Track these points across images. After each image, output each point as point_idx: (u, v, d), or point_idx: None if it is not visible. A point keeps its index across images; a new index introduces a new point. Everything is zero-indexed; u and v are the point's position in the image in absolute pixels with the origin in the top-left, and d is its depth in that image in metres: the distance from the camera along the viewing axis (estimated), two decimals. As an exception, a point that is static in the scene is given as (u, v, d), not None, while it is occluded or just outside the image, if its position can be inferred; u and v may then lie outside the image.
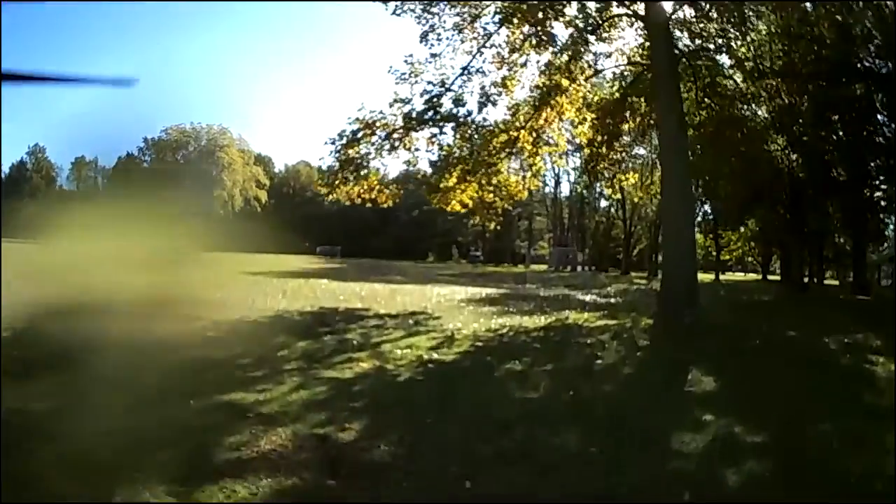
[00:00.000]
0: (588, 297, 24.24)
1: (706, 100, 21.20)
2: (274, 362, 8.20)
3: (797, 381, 8.72)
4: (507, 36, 18.28)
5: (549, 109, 19.78)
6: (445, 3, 17.70)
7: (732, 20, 18.08)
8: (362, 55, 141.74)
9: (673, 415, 6.59)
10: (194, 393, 6.27)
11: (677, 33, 18.46)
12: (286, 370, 7.76)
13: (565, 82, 19.20)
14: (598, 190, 56.75)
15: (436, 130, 18.31)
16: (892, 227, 45.48)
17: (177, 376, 6.79)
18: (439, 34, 17.85)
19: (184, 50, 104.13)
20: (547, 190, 75.08)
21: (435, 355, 9.40)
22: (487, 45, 18.17)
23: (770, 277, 60.93)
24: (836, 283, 60.30)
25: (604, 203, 62.71)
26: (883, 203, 42.92)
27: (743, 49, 19.79)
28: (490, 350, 10.16)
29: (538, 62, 18.96)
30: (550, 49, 17.93)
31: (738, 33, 18.82)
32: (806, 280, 44.64)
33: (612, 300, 23.57)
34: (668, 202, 15.71)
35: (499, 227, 61.48)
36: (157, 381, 6.38)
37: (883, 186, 42.46)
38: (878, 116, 32.22)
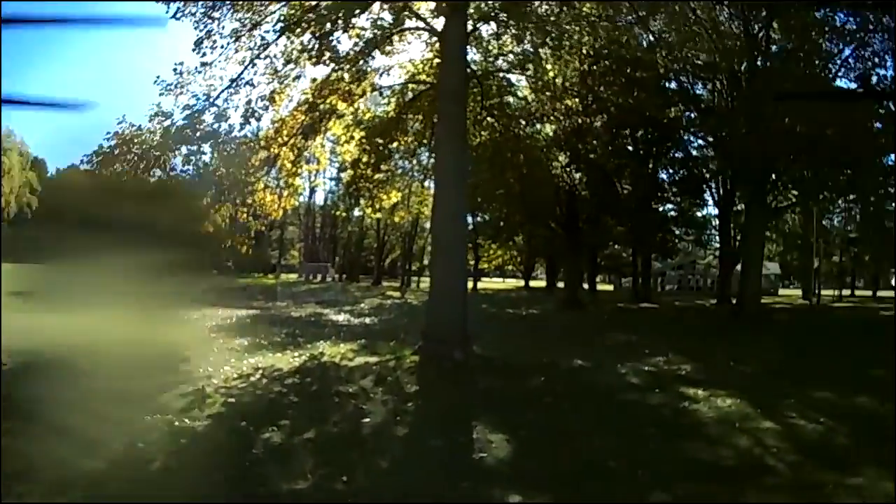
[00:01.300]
0: (341, 318, 24.17)
1: (489, 119, 21.36)
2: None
3: (606, 435, 8.48)
4: (285, 46, 17.11)
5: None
6: (229, 5, 16.24)
7: (537, 41, 18.08)
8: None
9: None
10: None
11: (471, 54, 18.45)
12: None
13: (342, 105, 18.61)
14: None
15: (194, 148, 16.66)
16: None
17: None
18: (215, 41, 16.29)
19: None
20: (301, 199, 73.69)
21: (186, 420, 8.37)
22: (262, 55, 16.92)
23: (532, 284, 63.86)
24: (611, 287, 65.23)
25: (357, 212, 63.27)
26: (674, 214, 47.12)
27: (547, 66, 19.85)
28: (244, 409, 9.23)
29: (313, 78, 18.08)
30: (331, 65, 16.97)
31: (540, 53, 19.00)
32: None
33: (368, 321, 23.64)
34: (441, 231, 15.56)
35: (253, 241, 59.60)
36: None
37: (677, 199, 46.27)
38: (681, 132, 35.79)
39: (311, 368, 13.08)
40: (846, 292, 65.02)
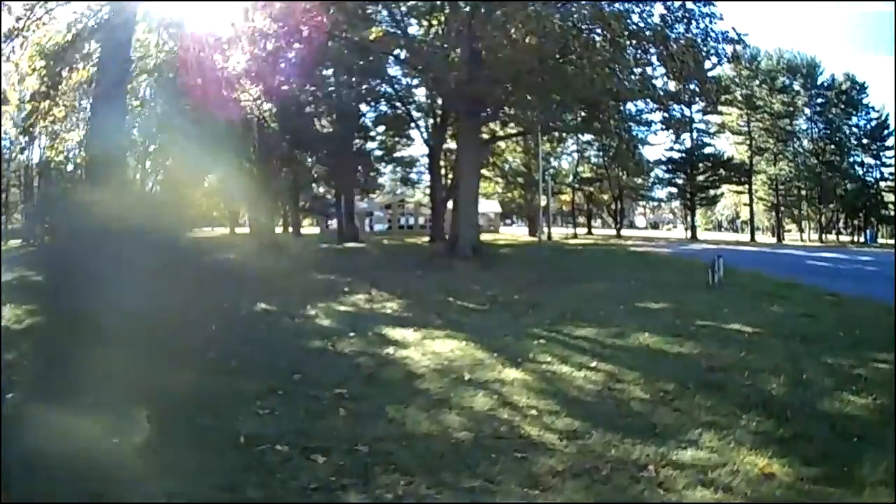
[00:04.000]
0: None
1: (171, 42, 21.06)
2: None
3: (276, 403, 6.02)
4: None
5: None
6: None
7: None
8: None
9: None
10: None
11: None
12: None
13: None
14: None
15: None
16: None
17: None
18: None
19: None
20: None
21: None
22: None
23: (238, 231, 61.22)
24: (318, 230, 63.63)
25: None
26: (379, 153, 47.54)
27: None
28: None
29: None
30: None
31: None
32: (282, 230, 45.35)
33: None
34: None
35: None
36: None
37: (380, 137, 46.61)
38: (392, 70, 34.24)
39: None
40: (582, 230, 68.46)
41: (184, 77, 22.13)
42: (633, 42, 19.80)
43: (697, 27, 20.47)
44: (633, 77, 20.98)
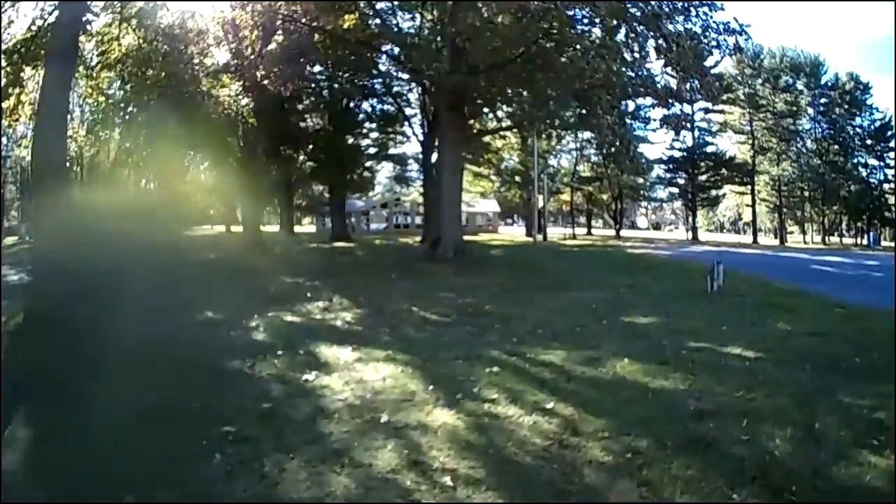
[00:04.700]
0: None
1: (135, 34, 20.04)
2: None
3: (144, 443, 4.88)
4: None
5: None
6: None
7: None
8: None
9: None
10: None
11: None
12: None
13: None
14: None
15: None
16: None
17: None
18: None
19: None
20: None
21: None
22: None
23: (235, 229, 60.51)
24: (314, 229, 62.73)
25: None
26: (373, 150, 46.30)
27: None
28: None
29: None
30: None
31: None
32: (279, 228, 44.32)
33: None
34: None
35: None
36: None
37: (373, 135, 45.43)
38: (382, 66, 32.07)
39: None
40: (582, 231, 67.43)
41: (152, 72, 21.07)
42: (623, 24, 18.38)
43: (697, 16, 19.28)
44: (626, 69, 19.62)
